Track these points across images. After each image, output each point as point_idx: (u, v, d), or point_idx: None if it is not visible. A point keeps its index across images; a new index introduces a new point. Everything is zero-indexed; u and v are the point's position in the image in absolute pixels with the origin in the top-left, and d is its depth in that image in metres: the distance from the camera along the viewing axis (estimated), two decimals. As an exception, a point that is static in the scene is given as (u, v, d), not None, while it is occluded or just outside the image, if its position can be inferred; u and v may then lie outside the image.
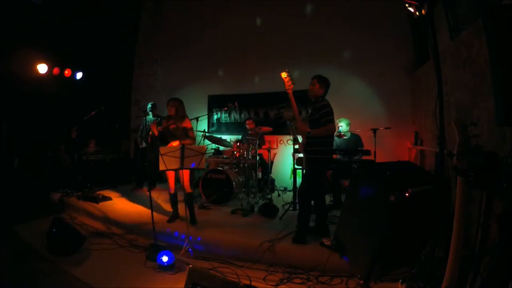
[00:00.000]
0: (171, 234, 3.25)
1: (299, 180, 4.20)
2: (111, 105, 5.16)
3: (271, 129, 4.89)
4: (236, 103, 5.03)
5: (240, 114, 6.32)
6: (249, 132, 5.09)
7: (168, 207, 3.94)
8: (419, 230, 1.83)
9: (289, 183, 5.39)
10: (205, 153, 3.14)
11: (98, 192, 4.74)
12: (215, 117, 6.58)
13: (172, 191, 3.63)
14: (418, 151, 4.54)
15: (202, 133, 4.79)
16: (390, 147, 4.88)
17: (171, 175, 3.56)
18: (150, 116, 5.30)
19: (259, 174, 5.04)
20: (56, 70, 6.04)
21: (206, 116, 6.20)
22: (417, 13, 2.09)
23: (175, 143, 3.48)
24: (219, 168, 4.49)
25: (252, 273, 2.61)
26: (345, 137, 4.52)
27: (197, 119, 4.38)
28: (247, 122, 5.31)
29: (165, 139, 3.56)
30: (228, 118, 6.48)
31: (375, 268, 1.64)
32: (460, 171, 1.68)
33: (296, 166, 4.22)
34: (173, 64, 6.94)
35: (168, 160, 2.97)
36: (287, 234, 3.06)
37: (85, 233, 3.48)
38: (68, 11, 6.13)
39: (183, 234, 3.07)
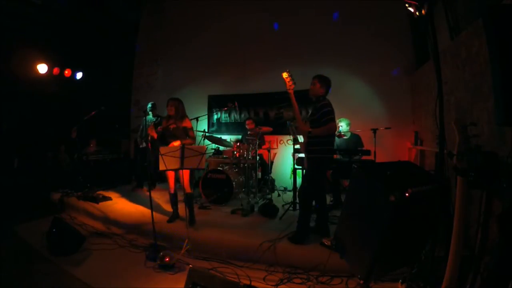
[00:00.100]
0: (171, 234, 3.24)
1: (299, 180, 4.21)
2: (111, 105, 5.15)
3: (271, 129, 4.89)
4: (236, 103, 5.03)
5: (240, 114, 6.32)
6: (249, 132, 5.09)
7: (168, 207, 3.95)
8: (419, 230, 1.82)
9: (289, 183, 5.38)
10: (205, 153, 3.14)
11: (98, 192, 4.74)
12: (215, 117, 6.58)
13: (172, 191, 3.63)
14: (418, 151, 4.54)
15: (202, 133, 4.79)
16: (390, 147, 4.89)
17: (171, 175, 3.56)
18: (150, 116, 5.30)
19: (259, 174, 5.03)
20: (56, 70, 6.05)
21: (206, 116, 6.21)
22: (417, 13, 2.10)
23: (176, 143, 3.48)
24: (219, 168, 4.49)
25: (252, 273, 2.61)
26: (345, 137, 4.51)
27: (197, 119, 4.39)
28: (247, 122, 5.31)
29: (165, 139, 3.57)
30: (228, 118, 6.48)
31: (375, 268, 1.64)
32: (460, 171, 1.68)
33: (296, 166, 4.22)
34: (173, 64, 6.95)
35: (168, 160, 2.97)
36: (287, 234, 3.06)
37: (85, 233, 3.48)
38: (68, 11, 6.13)
39: (183, 234, 3.07)
